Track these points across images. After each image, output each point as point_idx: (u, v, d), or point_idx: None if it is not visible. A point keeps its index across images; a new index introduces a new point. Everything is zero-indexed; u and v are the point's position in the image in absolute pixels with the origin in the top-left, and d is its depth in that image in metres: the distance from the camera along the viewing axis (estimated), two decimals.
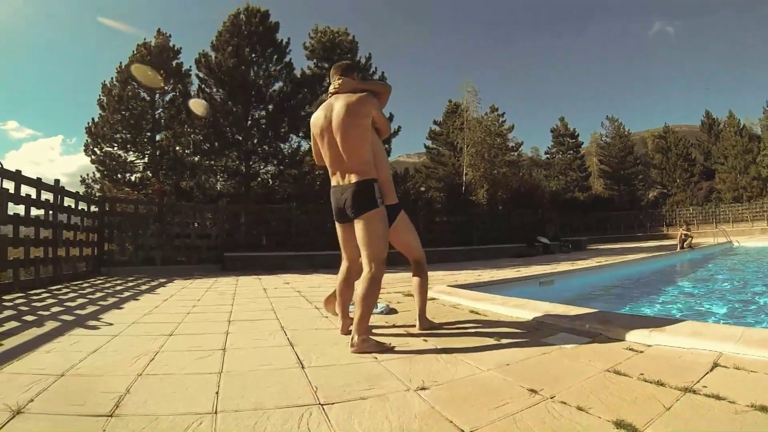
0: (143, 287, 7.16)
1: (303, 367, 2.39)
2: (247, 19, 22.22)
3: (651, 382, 2.00)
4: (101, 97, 21.01)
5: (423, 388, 2.02)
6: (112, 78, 21.32)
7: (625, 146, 48.92)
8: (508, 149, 35.88)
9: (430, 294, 5.11)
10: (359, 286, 2.90)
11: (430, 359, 2.56)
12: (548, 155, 51.17)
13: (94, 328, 3.64)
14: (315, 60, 25.42)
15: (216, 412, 1.75)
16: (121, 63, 21.48)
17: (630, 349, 2.59)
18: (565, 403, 1.80)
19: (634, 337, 2.80)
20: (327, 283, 7.35)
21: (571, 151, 48.94)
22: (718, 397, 1.78)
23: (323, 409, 1.78)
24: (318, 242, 13.51)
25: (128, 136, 20.94)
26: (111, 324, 3.76)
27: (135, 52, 21.62)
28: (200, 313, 4.37)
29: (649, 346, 2.66)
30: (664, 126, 50.73)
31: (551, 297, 5.05)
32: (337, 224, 3.14)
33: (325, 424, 1.63)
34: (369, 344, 2.71)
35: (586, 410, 1.72)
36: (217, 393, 1.97)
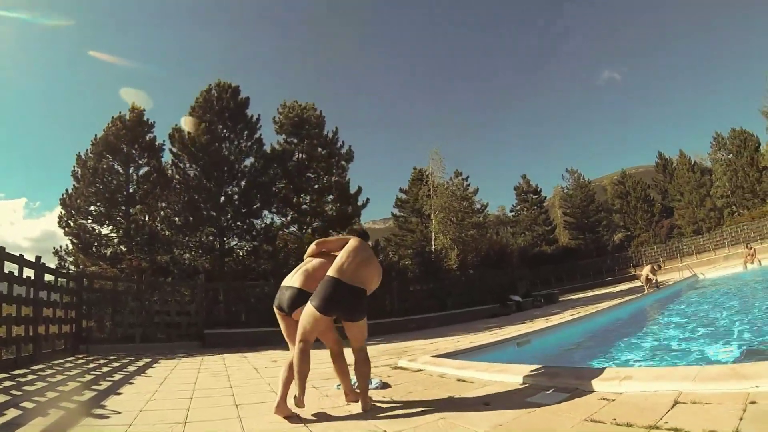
0: (130, 368, 7.06)
1: None
2: (218, 95, 22.81)
3: (622, 425, 2.37)
4: (75, 168, 21.10)
5: None
6: (86, 150, 21.49)
7: (586, 195, 50.71)
8: (475, 212, 36.58)
9: (416, 365, 5.43)
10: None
11: (431, 425, 2.87)
12: (514, 213, 52.51)
13: (104, 417, 3.66)
14: (284, 135, 26.16)
15: None
16: (96, 135, 21.69)
17: (603, 399, 2.94)
18: None
19: (606, 387, 3.16)
20: (313, 359, 7.37)
21: (536, 207, 50.47)
22: (676, 430, 2.17)
23: None
24: None
25: (103, 209, 20.90)
26: (119, 412, 3.76)
27: (110, 125, 21.90)
28: (204, 398, 4.44)
29: (620, 393, 3.01)
30: (621, 171, 53.24)
31: (530, 356, 5.37)
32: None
33: None
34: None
35: None
36: None
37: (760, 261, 19.37)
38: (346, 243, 3.79)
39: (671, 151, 53.11)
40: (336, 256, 3.74)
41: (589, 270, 37.95)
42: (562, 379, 3.54)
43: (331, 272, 3.53)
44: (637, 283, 16.92)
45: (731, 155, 42.55)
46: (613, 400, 2.90)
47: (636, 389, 3.01)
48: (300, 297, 3.63)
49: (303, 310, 3.51)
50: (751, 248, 20.80)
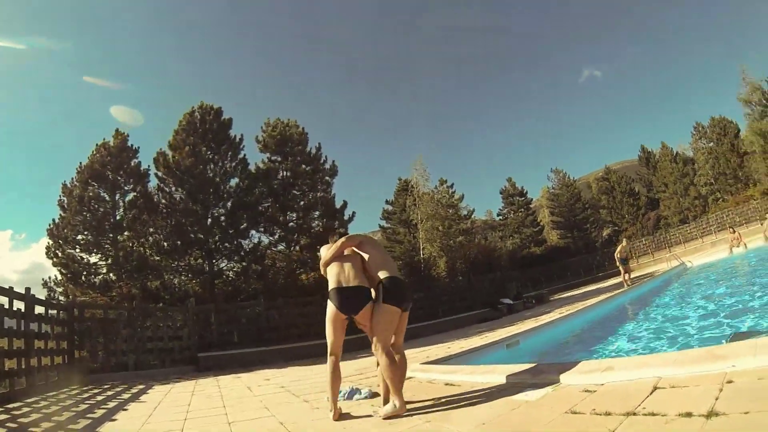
0: (125, 395, 7.02)
1: None
2: (201, 117, 22.92)
3: (600, 414, 2.45)
4: (62, 197, 21.10)
5: None
6: (72, 178, 21.46)
7: (572, 194, 50.98)
8: (461, 218, 36.58)
9: (409, 374, 5.45)
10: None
11: (416, 428, 2.96)
12: (501, 216, 52.28)
13: None
14: (268, 154, 26.35)
15: None
16: (81, 163, 21.69)
17: (585, 391, 3.02)
18: None
19: (588, 379, 3.25)
20: (306, 375, 7.47)
21: (523, 209, 50.30)
22: (653, 414, 2.26)
23: None
24: (290, 335, 13.94)
25: (90, 237, 20.84)
26: None
27: (94, 152, 21.93)
28: (199, 418, 4.47)
29: (601, 384, 3.09)
30: (605, 168, 53.66)
31: (518, 357, 5.43)
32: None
33: None
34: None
35: None
36: None
37: (745, 244, 19.53)
38: (360, 240, 4.02)
39: (653, 143, 53.81)
40: (354, 252, 3.95)
41: (579, 267, 38.02)
42: (546, 375, 3.61)
43: (390, 272, 3.76)
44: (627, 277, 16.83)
45: (712, 143, 43.12)
46: (595, 391, 2.97)
47: (617, 379, 3.09)
48: (368, 295, 3.75)
49: (377, 314, 3.63)
50: (734, 232, 20.96)
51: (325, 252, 4.03)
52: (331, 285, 3.77)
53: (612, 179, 50.56)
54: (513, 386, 3.69)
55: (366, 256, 3.90)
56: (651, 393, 2.61)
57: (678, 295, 11.47)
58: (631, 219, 46.99)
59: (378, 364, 3.66)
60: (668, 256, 25.91)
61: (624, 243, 17.66)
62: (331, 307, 3.71)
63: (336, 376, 3.67)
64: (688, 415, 2.11)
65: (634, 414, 2.32)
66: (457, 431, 2.73)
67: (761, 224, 23.12)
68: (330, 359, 3.71)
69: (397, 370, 3.52)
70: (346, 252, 3.96)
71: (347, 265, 3.83)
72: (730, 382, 2.45)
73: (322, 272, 4.00)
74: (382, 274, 3.73)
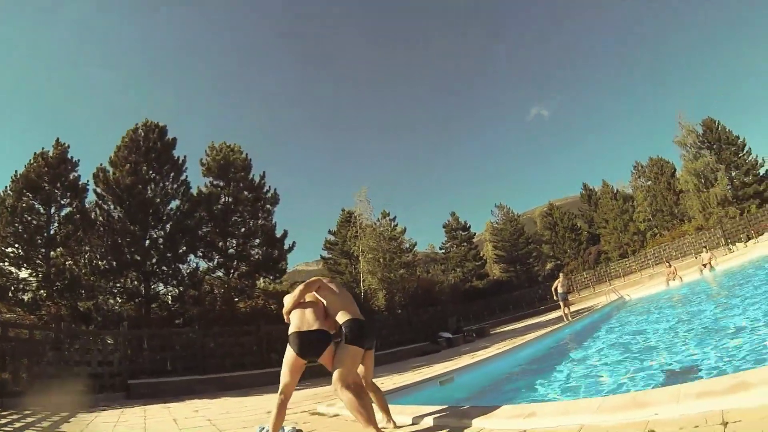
0: (44, 424, 6.64)
1: None
2: (145, 135, 22.36)
3: None
4: None
5: None
6: (6, 187, 20.33)
7: (515, 229, 52.49)
8: (403, 251, 36.75)
9: (333, 410, 5.43)
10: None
11: None
12: (444, 250, 53.05)
13: None
14: (211, 178, 26.01)
15: None
16: (16, 171, 20.56)
17: None
18: None
19: (511, 424, 3.28)
20: (235, 408, 7.35)
21: (465, 243, 51.33)
22: None
23: None
24: (225, 364, 13.60)
25: (21, 251, 19.71)
26: None
27: (32, 161, 20.87)
28: None
29: (524, 431, 3.11)
30: (548, 203, 55.86)
31: (449, 395, 5.43)
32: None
33: None
34: None
35: None
36: None
37: (681, 278, 20.43)
38: (318, 285, 4.11)
39: (595, 181, 56.40)
40: (315, 298, 4.07)
41: (521, 301, 38.96)
42: (469, 420, 3.62)
43: (351, 314, 3.89)
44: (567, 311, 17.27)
45: (650, 182, 45.82)
46: None
47: (540, 426, 3.12)
48: (327, 339, 3.87)
49: (340, 353, 3.75)
50: (670, 266, 21.97)
51: (288, 300, 4.08)
52: (291, 329, 3.89)
53: (555, 215, 52.48)
54: (436, 429, 3.72)
55: (324, 302, 4.00)
56: None
57: (613, 331, 11.78)
58: (573, 253, 48.78)
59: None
60: (608, 290, 26.81)
61: (561, 278, 18.12)
62: (290, 351, 3.83)
63: (281, 415, 3.83)
64: None
65: None
66: None
67: (697, 258, 24.35)
68: (279, 397, 3.83)
69: (363, 403, 3.61)
70: (307, 298, 4.07)
71: (308, 311, 3.94)
72: (651, 431, 2.48)
73: (286, 320, 4.04)
74: (341, 318, 3.85)
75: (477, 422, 3.52)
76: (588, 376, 6.48)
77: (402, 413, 4.32)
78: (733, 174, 38.74)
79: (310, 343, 3.80)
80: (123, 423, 6.50)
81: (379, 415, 4.03)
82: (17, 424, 6.56)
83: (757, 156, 38.93)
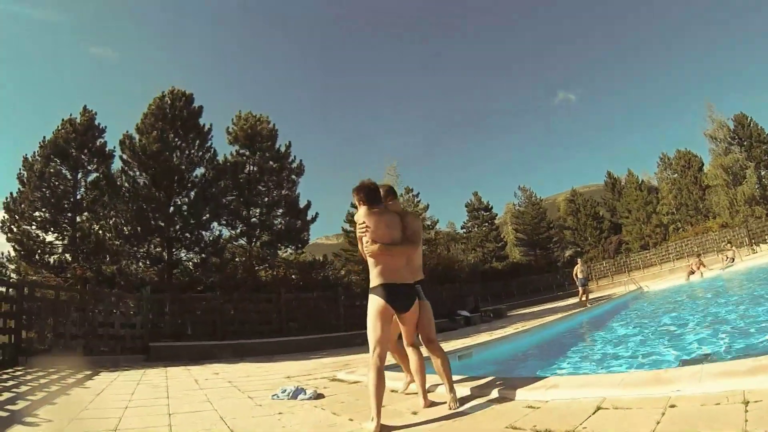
0: (69, 380, 6.80)
1: None
2: (171, 103, 22.42)
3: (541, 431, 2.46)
4: (21, 171, 20.37)
5: None
6: (34, 152, 20.72)
7: (537, 213, 51.76)
8: (425, 228, 36.80)
9: (353, 377, 5.44)
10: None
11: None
12: (465, 229, 52.72)
13: (34, 425, 3.61)
14: (237, 147, 26.01)
15: None
16: (44, 137, 20.96)
17: (529, 407, 3.04)
18: None
19: (533, 395, 3.27)
20: (256, 373, 7.39)
21: (487, 224, 50.87)
22: None
23: None
24: (244, 331, 13.75)
25: (48, 215, 20.18)
26: (50, 420, 3.74)
27: (60, 128, 21.25)
28: (140, 407, 4.37)
29: (546, 401, 3.11)
30: (572, 189, 54.88)
31: (469, 369, 5.41)
32: (397, 312, 3.56)
33: None
34: None
35: None
36: None
37: (702, 273, 20.14)
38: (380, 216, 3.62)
39: (620, 170, 55.22)
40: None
41: (539, 285, 38.69)
42: (492, 389, 3.63)
43: (420, 273, 3.87)
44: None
45: (676, 175, 44.72)
46: (539, 408, 3.00)
47: (561, 397, 3.12)
48: (415, 293, 3.69)
49: (425, 308, 3.72)
50: (699, 256, 21.63)
51: (371, 222, 3.55)
52: (381, 280, 3.44)
53: (578, 201, 51.64)
54: (460, 399, 3.66)
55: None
56: (594, 413, 2.63)
57: (633, 318, 11.71)
58: (593, 242, 48.07)
59: (416, 361, 3.70)
60: (626, 280, 26.55)
61: (579, 263, 18.23)
62: (377, 302, 3.44)
63: (380, 378, 3.21)
64: None
65: None
66: None
67: (719, 255, 23.90)
68: (374, 358, 3.33)
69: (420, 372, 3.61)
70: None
71: (398, 259, 3.54)
72: (673, 406, 2.47)
73: (362, 250, 3.60)
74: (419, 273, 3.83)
75: (501, 391, 3.52)
76: (604, 359, 6.45)
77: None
78: (762, 173, 37.67)
79: (406, 296, 3.57)
80: (145, 382, 6.63)
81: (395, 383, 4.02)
82: (42, 380, 6.71)
83: None
